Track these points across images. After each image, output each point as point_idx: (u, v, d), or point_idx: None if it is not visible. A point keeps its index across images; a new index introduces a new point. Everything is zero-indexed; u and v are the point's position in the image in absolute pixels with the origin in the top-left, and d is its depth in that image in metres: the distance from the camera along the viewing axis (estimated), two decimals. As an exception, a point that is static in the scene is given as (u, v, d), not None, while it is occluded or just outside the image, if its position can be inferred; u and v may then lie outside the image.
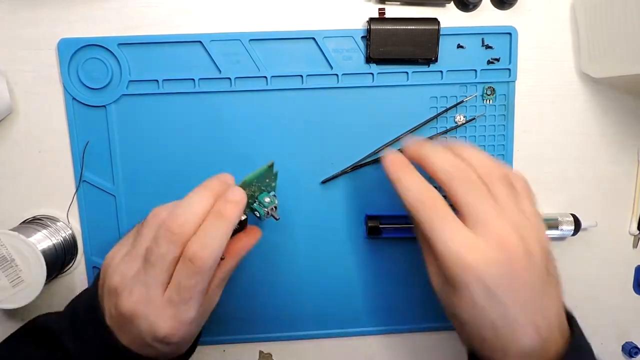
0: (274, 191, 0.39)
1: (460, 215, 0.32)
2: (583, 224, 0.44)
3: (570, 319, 0.34)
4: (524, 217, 0.33)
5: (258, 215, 0.37)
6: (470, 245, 0.31)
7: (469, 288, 0.31)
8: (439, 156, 0.34)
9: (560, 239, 0.46)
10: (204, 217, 0.33)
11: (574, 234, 0.44)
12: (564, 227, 0.44)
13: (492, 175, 0.33)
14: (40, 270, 0.38)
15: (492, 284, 0.30)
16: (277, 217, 0.38)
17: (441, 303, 0.35)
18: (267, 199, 0.37)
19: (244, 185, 0.36)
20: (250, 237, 0.38)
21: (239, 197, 0.34)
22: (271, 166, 0.37)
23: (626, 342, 0.48)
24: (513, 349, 0.31)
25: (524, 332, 0.31)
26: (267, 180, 0.38)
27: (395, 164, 0.35)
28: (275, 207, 0.38)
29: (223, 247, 0.33)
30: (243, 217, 0.37)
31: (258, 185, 0.37)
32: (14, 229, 0.39)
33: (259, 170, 0.36)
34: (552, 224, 0.44)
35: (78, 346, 0.34)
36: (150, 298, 0.32)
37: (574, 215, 0.44)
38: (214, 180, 0.35)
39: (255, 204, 0.38)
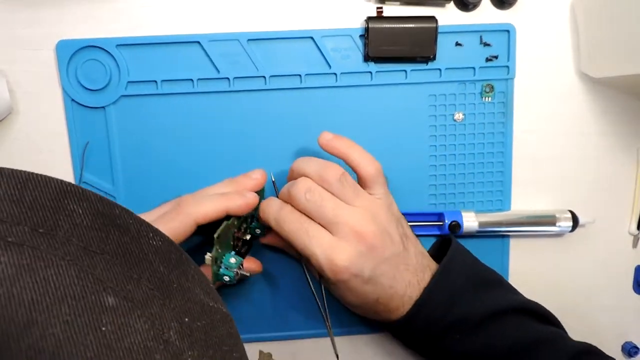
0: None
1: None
2: (581, 220, 0.44)
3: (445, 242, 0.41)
4: (372, 198, 0.37)
5: (228, 279, 0.36)
6: (336, 250, 0.35)
7: (347, 283, 0.36)
8: (267, 206, 0.38)
9: (558, 235, 0.46)
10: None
11: (572, 230, 0.44)
12: (562, 224, 0.44)
13: (327, 178, 0.36)
14: (40, 270, 0.38)
15: (365, 273, 0.35)
16: (248, 274, 0.37)
17: (333, 294, 0.40)
18: (233, 260, 0.36)
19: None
20: (253, 265, 0.41)
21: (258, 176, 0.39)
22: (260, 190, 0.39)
23: (626, 342, 0.48)
24: (400, 306, 0.37)
25: (404, 291, 0.37)
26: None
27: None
28: (242, 266, 0.37)
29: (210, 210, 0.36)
30: (247, 237, 0.38)
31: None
32: (14, 229, 0.39)
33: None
34: (550, 220, 0.44)
35: None
36: None
37: (571, 212, 0.44)
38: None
39: (222, 269, 0.36)
